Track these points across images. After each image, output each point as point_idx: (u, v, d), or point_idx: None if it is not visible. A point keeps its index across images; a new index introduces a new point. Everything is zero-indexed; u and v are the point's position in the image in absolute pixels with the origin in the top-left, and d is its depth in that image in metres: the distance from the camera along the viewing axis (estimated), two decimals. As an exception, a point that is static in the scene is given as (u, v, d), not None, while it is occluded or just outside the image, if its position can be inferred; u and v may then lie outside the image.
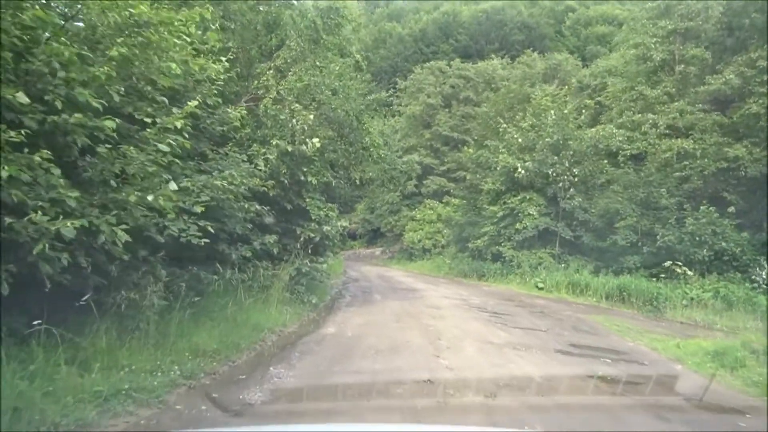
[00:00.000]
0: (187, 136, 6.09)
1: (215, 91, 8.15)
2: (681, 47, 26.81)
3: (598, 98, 31.18)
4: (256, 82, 11.54)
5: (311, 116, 11.05)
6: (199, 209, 6.48)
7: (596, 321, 15.37)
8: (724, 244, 21.16)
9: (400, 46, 63.54)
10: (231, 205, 8.09)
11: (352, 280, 25.40)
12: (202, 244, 6.68)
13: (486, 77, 44.11)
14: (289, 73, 11.14)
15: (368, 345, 8.94)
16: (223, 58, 8.81)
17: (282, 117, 10.85)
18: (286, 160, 10.97)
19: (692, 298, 19.12)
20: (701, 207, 22.07)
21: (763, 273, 19.60)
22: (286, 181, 11.02)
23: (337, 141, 13.60)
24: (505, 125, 28.75)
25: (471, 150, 32.92)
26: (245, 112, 9.10)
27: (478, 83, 43.95)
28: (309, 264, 11.97)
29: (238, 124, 8.85)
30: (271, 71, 11.39)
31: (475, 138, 34.63)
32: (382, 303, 15.82)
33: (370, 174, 15.34)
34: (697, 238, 21.52)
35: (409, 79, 48.83)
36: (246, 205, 8.39)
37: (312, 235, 11.84)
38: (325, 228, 11.93)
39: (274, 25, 13.38)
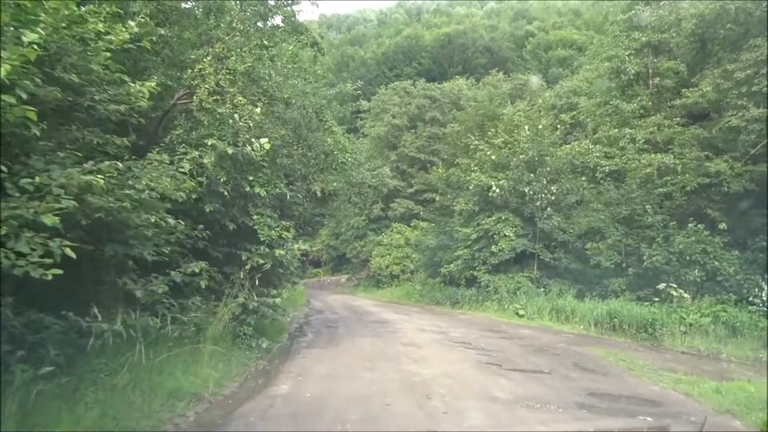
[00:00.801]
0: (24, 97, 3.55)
1: (114, 61, 5.63)
2: (655, 60, 25.40)
3: (572, 114, 29.48)
4: (190, 71, 9.00)
5: (258, 110, 8.58)
6: (48, 221, 3.95)
7: (597, 355, 13.14)
8: (717, 263, 19.33)
9: (362, 69, 61.85)
10: (133, 220, 5.51)
11: (316, 311, 22.67)
12: (50, 277, 4.07)
13: (452, 97, 42.46)
14: (231, 58, 8.65)
15: (334, 414, 6.37)
16: (132, 23, 6.30)
17: (221, 111, 8.33)
18: (226, 166, 8.45)
19: (690, 324, 17.08)
20: (689, 224, 20.27)
21: (763, 294, 17.76)
22: (226, 193, 8.45)
23: (292, 144, 11.01)
24: (476, 142, 26.75)
25: (440, 170, 30.77)
26: (157, 88, 6.53)
27: (444, 103, 42.23)
28: (257, 298, 9.32)
29: (143, 104, 6.29)
30: (209, 57, 8.87)
31: (444, 158, 32.53)
32: (350, 341, 13.19)
33: (334, 184, 12.69)
34: (687, 258, 19.67)
35: (374, 100, 46.85)
36: (153, 219, 5.76)
37: (261, 261, 9.25)
38: (278, 252, 9.34)
39: (218, 12, 10.91)
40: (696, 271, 19.33)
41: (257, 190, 8.96)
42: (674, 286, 18.21)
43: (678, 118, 23.96)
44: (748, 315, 16.98)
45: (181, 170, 6.82)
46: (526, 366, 10.80)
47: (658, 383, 9.80)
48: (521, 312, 21.67)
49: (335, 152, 11.40)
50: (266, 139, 8.53)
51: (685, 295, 17.85)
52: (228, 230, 9.22)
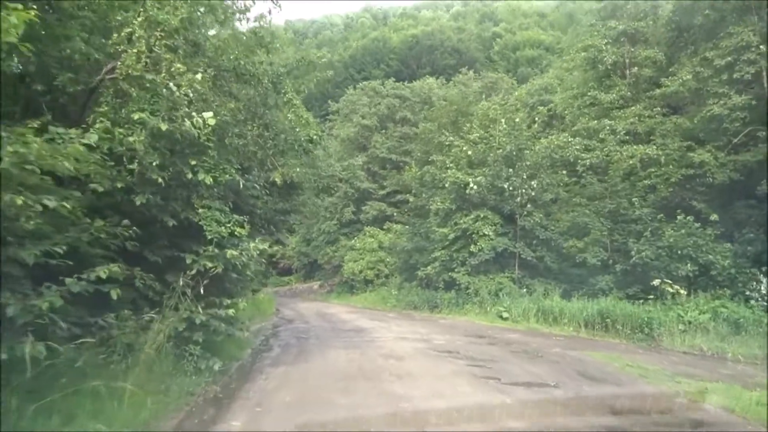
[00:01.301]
0: None
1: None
2: (632, 49, 24.34)
3: (548, 107, 28.24)
4: (115, 35, 7.18)
5: (199, 76, 6.79)
6: None
7: (599, 361, 11.70)
8: (710, 257, 18.15)
9: (329, 67, 60.07)
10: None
11: (286, 321, 20.77)
12: None
13: (422, 96, 41.03)
14: (163, 9, 6.83)
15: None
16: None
17: (151, 78, 6.53)
18: (160, 147, 6.65)
19: (689, 322, 15.77)
20: (678, 217, 19.08)
21: (762, 288, 16.61)
22: (161, 181, 6.65)
23: (245, 121, 9.17)
24: (451, 138, 25.27)
25: (414, 169, 29.18)
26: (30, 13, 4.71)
27: (414, 103, 40.78)
28: (206, 311, 7.48)
29: (13, 39, 4.49)
30: (140, 18, 7.08)
31: (417, 156, 30.96)
32: (323, 355, 11.41)
33: (297, 170, 10.69)
34: (679, 252, 18.46)
35: (342, 100, 45.18)
36: (20, 201, 3.95)
37: (209, 265, 7.42)
38: (231, 253, 7.49)
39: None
40: (688, 265, 18.14)
41: (202, 177, 7.15)
42: (669, 282, 16.94)
43: (658, 108, 22.95)
44: (750, 311, 15.76)
45: (85, 142, 5.02)
46: (527, 378, 9.21)
47: (683, 395, 8.29)
48: (505, 314, 20.18)
49: (297, 129, 9.50)
50: (210, 114, 6.76)
51: (682, 291, 16.57)
52: (168, 228, 7.40)
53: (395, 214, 38.44)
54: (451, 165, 24.26)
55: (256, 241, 8.17)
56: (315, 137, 9.82)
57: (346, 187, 38.88)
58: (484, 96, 36.03)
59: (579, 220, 20.95)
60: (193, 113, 6.60)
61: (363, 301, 32.56)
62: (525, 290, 22.13)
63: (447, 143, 25.27)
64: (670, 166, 21.23)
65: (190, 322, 7.30)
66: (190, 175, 7.14)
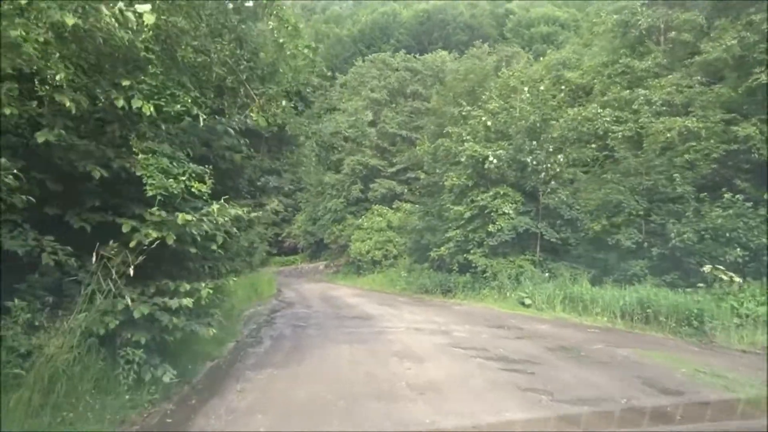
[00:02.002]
0: None
1: None
2: (669, 12, 21.60)
3: (579, 74, 25.54)
4: None
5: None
6: None
7: (659, 363, 9.52)
8: (763, 240, 15.62)
9: (338, 47, 57.27)
10: None
11: (285, 305, 18.55)
12: None
13: (435, 70, 38.29)
14: None
15: None
16: None
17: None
18: (70, 54, 4.30)
19: (746, 315, 13.33)
20: (725, 195, 16.59)
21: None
22: (73, 108, 4.29)
23: (207, 34, 6.53)
24: (468, 108, 22.72)
25: (426, 144, 26.65)
26: None
27: (426, 76, 38.04)
28: (151, 300, 5.17)
29: None
30: None
31: (431, 129, 28.39)
32: (321, 352, 9.12)
33: (283, 103, 7.84)
34: (727, 235, 15.98)
35: (350, 72, 42.48)
36: None
37: (153, 235, 5.09)
38: (184, 218, 5.13)
39: None
40: (737, 250, 15.66)
41: (139, 104, 4.79)
42: (722, 268, 14.47)
43: (697, 77, 20.29)
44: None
45: None
46: (585, 390, 6.96)
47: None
48: (527, 301, 17.87)
49: (282, 40, 6.87)
50: (147, 6, 4.34)
51: (737, 279, 14.12)
52: (94, 182, 5.06)
53: (405, 192, 36.02)
54: (468, 137, 21.75)
55: (222, 202, 5.77)
56: (307, 52, 7.25)
57: (352, 146, 36.18)
58: (500, 70, 33.32)
59: (611, 198, 18.47)
60: (121, 3, 4.19)
61: (370, 282, 30.32)
62: (547, 274, 19.78)
63: (464, 113, 22.73)
64: (711, 141, 18.65)
65: (127, 316, 4.97)
66: (121, 102, 4.76)
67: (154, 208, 5.12)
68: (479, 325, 13.65)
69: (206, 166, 5.90)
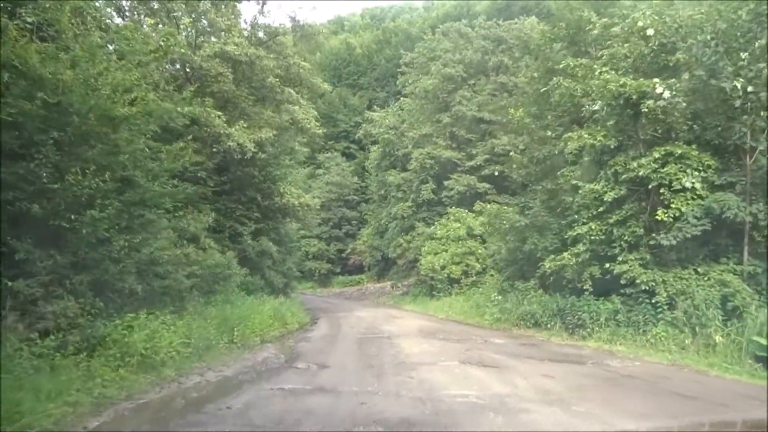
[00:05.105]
0: None
1: None
2: None
3: None
4: None
5: None
6: None
7: None
8: None
9: (407, 42, 49.06)
10: None
11: (287, 357, 9.61)
12: None
13: (523, 39, 28.99)
14: None
15: None
16: None
17: None
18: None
19: None
20: None
21: None
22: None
23: None
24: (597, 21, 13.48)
25: (520, 112, 17.24)
26: None
27: (513, 45, 28.81)
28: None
29: None
30: None
31: (525, 93, 18.82)
32: None
33: None
34: None
35: (417, 47, 33.85)
36: None
37: None
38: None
39: None
40: None
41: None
42: None
43: None
44: None
45: None
46: None
47: None
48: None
49: None
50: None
51: None
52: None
53: (489, 190, 26.71)
54: (604, 69, 12.37)
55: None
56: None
57: (423, 157, 27.67)
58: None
59: None
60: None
61: (447, 308, 21.05)
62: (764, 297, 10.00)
63: (592, 34, 13.42)
64: None
65: None
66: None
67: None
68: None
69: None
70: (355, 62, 57.94)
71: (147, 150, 7.58)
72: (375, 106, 42.67)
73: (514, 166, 18.20)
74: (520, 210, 17.67)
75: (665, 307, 10.90)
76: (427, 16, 54.40)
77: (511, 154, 18.80)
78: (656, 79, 11.06)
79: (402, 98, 34.61)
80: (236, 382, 7.09)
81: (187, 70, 15.24)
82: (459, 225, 25.62)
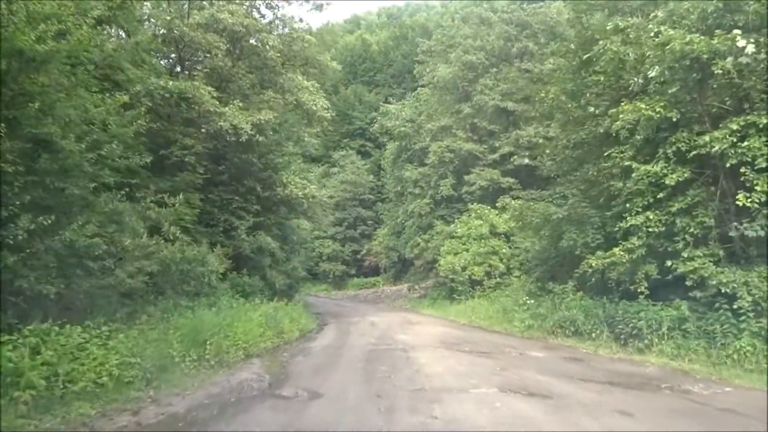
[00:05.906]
0: None
1: None
2: None
3: None
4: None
5: None
6: None
7: None
8: None
9: (424, 37, 46.97)
10: None
11: (278, 378, 7.61)
12: None
13: (549, 23, 26.73)
14: None
15: None
16: None
17: None
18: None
19: None
20: None
21: None
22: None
23: None
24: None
25: (554, 88, 14.98)
26: None
27: (539, 30, 26.56)
28: None
29: None
30: None
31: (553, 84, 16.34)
32: None
33: None
34: None
35: (435, 35, 31.79)
36: None
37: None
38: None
39: None
40: None
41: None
42: None
43: None
44: None
45: None
46: None
47: None
48: None
49: None
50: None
51: None
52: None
53: (514, 185, 24.47)
54: (665, 29, 10.13)
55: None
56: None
57: (441, 150, 25.54)
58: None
59: None
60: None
61: (470, 312, 18.85)
62: None
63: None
64: None
65: None
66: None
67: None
68: None
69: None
70: (371, 59, 56.09)
71: (83, 104, 5.66)
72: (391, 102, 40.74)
73: (547, 151, 15.96)
74: (558, 197, 15.44)
75: (750, 315, 8.64)
76: (445, 12, 52.09)
77: (541, 140, 16.56)
78: (737, 30, 8.82)
79: (420, 89, 32.54)
80: (181, 425, 4.96)
81: (177, 42, 13.34)
82: (481, 222, 23.40)
